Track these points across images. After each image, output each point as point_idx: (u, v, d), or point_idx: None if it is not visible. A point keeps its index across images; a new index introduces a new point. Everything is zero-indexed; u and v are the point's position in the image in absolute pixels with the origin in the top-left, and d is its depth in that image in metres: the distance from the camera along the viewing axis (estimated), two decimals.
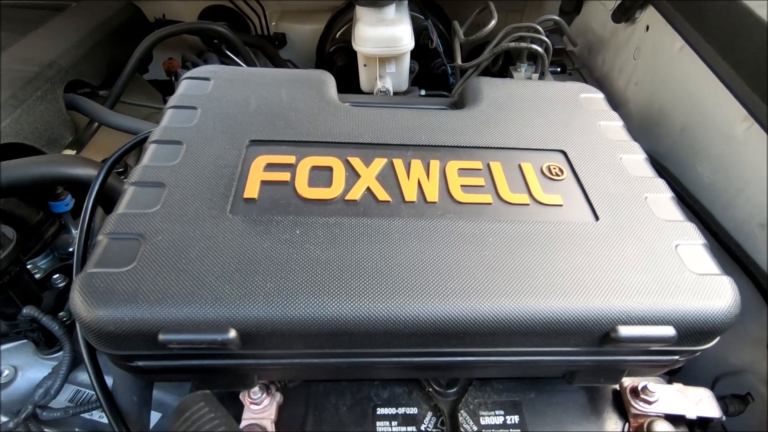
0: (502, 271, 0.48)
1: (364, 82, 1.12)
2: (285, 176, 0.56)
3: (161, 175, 0.54)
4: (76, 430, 0.76)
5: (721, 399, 0.62)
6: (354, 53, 1.05)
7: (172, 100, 0.66)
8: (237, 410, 0.56)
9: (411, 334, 0.45)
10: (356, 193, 0.55)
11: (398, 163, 0.59)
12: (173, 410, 0.45)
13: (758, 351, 0.66)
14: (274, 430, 0.55)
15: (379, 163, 0.59)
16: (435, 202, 0.55)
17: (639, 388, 0.59)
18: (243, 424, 0.55)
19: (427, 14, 1.25)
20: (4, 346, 0.76)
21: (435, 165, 0.60)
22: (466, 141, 0.64)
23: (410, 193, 0.56)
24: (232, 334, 0.42)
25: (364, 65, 1.08)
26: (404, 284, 0.46)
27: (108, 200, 0.74)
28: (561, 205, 0.57)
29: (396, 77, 1.10)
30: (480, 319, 0.45)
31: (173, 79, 1.32)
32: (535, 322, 0.46)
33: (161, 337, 0.42)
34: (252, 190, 0.54)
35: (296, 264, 0.47)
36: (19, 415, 0.68)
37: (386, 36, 1.00)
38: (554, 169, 0.61)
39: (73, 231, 0.93)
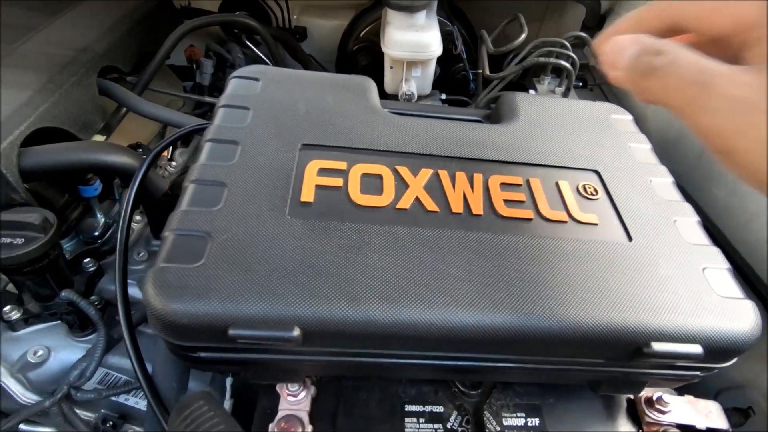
0: (546, 285, 0.51)
1: (389, 83, 1.14)
2: (338, 182, 0.58)
3: (221, 174, 0.56)
4: (103, 411, 0.79)
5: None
6: (378, 53, 1.07)
7: (223, 99, 0.67)
8: (272, 401, 0.58)
9: (462, 341, 0.48)
10: (406, 202, 0.58)
11: (444, 175, 0.62)
12: (174, 409, 0.47)
13: (760, 366, 0.70)
14: (308, 421, 0.57)
15: (426, 174, 0.61)
16: (480, 215, 0.58)
17: (654, 398, 0.62)
18: (280, 414, 0.57)
19: (453, 20, 1.27)
20: (37, 326, 0.78)
21: (478, 178, 0.62)
22: (506, 156, 0.66)
23: (456, 205, 0.58)
24: (296, 332, 0.45)
25: (391, 67, 1.11)
26: (456, 294, 0.49)
27: (143, 191, 0.76)
28: (597, 224, 0.60)
29: (421, 81, 1.12)
30: (528, 328, 0.48)
31: (194, 66, 1.32)
32: (575, 333, 0.49)
33: (231, 332, 0.44)
34: (308, 194, 0.56)
35: (355, 268, 0.49)
36: (55, 395, 0.70)
37: (416, 41, 1.03)
38: (589, 188, 0.64)
39: (98, 215, 0.94)
